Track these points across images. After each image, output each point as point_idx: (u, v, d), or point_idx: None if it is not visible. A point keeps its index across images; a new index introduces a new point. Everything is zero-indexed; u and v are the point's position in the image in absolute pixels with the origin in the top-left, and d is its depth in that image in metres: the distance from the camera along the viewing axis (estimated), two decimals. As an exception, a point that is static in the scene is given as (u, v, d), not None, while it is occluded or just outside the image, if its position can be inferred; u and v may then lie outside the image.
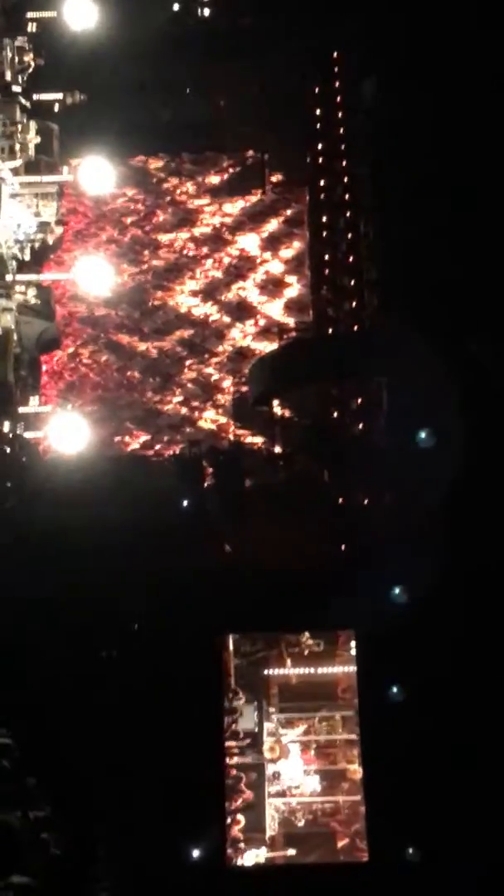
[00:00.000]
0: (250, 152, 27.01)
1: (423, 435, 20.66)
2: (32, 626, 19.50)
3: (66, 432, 22.68)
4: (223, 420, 25.12)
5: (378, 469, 22.20)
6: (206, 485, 23.10)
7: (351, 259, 25.23)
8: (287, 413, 24.80)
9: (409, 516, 20.47)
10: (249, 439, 24.77)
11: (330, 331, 25.08)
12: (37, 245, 24.02)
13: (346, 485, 22.83)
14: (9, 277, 23.39)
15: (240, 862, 21.02)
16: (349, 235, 25.35)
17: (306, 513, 22.15)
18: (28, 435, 23.03)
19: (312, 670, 22.12)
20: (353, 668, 21.53)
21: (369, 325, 24.27)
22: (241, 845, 21.13)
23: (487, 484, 20.04)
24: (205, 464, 23.37)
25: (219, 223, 26.82)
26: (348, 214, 25.51)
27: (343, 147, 26.03)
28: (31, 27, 24.52)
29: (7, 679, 18.87)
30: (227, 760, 21.29)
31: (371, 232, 24.79)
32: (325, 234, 25.76)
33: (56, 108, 24.83)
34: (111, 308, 25.91)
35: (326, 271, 25.47)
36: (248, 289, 26.25)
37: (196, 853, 19.90)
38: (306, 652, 22.17)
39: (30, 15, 24.53)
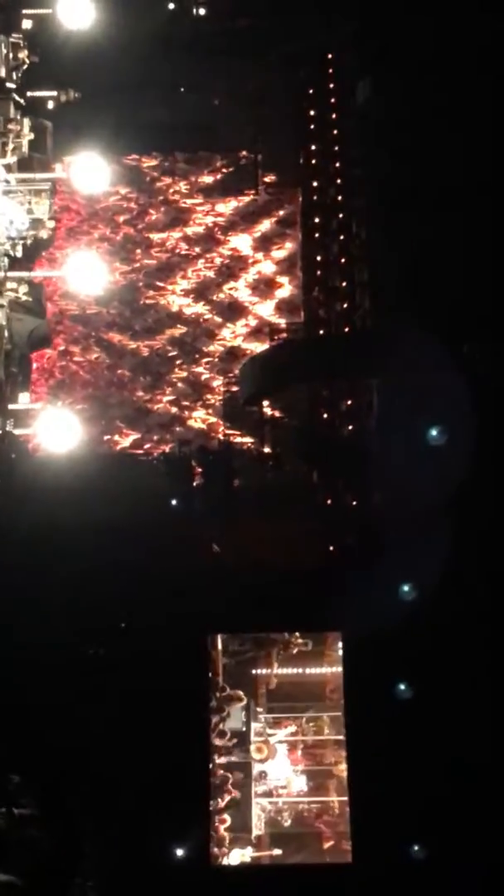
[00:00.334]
0: (243, 153, 27.06)
1: (428, 435, 20.57)
2: (18, 623, 19.41)
3: (55, 430, 22.64)
4: (213, 420, 25.14)
5: (367, 470, 22.17)
6: (195, 484, 23.09)
7: (343, 261, 25.27)
8: (277, 413, 24.86)
9: (399, 518, 20.43)
10: (239, 439, 24.79)
11: (321, 332, 25.13)
12: (29, 242, 23.95)
13: (334, 485, 22.85)
14: (0, 274, 23.36)
15: (225, 861, 20.94)
16: (341, 237, 25.39)
17: (295, 513, 22.16)
18: (17, 432, 22.99)
19: (301, 670, 22.08)
20: (340, 669, 21.51)
21: (360, 327, 24.30)
22: (227, 845, 21.08)
23: (487, 483, 19.99)
24: (194, 463, 23.37)
25: (211, 223, 26.82)
26: (341, 216, 25.56)
27: (336, 148, 26.09)
28: (26, 24, 24.51)
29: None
30: (215, 759, 21.25)
31: (363, 234, 24.83)
32: (317, 235, 25.83)
33: (50, 105, 24.85)
34: (102, 306, 25.91)
35: (318, 272, 25.54)
36: (239, 289, 26.27)
37: (181, 852, 19.82)
38: (295, 650, 22.12)
39: (25, 12, 24.49)
